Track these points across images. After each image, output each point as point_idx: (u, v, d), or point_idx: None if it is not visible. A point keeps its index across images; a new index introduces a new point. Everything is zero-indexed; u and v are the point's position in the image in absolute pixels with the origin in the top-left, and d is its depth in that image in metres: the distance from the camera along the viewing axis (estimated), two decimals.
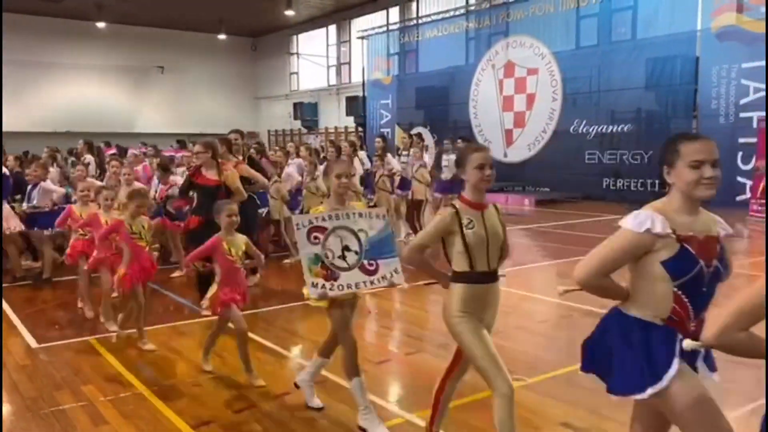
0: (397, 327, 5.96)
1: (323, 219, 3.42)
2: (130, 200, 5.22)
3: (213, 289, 4.29)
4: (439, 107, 20.34)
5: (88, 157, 10.99)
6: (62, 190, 8.21)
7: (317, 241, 3.36)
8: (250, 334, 5.36)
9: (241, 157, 7.36)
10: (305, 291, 3.46)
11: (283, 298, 6.85)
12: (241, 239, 4.42)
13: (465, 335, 2.92)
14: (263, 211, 8.53)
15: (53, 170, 9.73)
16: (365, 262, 3.44)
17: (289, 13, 23.07)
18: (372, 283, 3.47)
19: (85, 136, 13.67)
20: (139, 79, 27.27)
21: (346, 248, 3.41)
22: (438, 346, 5.06)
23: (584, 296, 2.67)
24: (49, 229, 7.56)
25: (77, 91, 25.32)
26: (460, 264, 2.94)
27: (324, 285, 3.33)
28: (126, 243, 5.08)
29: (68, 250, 6.15)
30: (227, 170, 6.23)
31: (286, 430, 3.62)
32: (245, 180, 6.61)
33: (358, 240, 3.46)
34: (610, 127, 15.87)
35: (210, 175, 6.09)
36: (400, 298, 6.72)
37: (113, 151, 11.94)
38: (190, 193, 6.46)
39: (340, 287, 3.36)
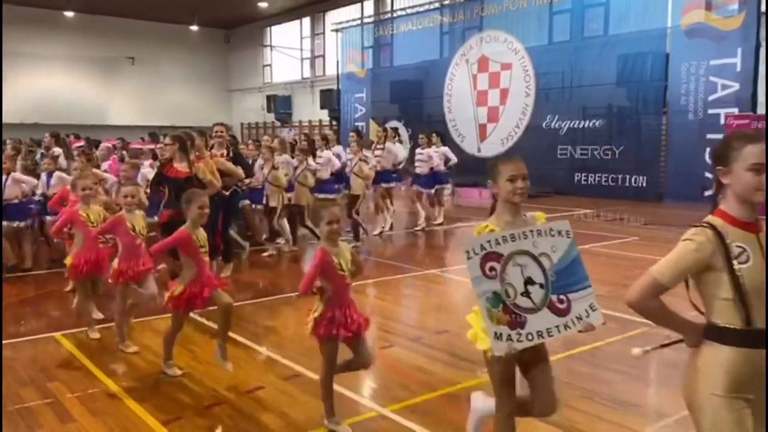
0: (371, 321, 5.92)
1: (497, 242, 2.50)
2: (189, 203, 4.26)
3: (318, 309, 3.43)
4: (413, 101, 20.34)
5: (57, 150, 10.76)
6: (34, 181, 7.93)
7: (494, 273, 2.45)
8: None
9: (225, 150, 7.35)
10: (480, 343, 2.64)
11: (257, 292, 6.81)
12: (346, 248, 3.54)
13: (725, 428, 1.98)
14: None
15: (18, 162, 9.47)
16: (554, 298, 2.54)
17: (263, 4, 22.87)
18: (566, 327, 2.54)
19: (54, 128, 13.37)
20: (109, 70, 26.76)
21: (529, 281, 2.51)
22: (411, 340, 5.07)
23: None
24: (17, 223, 7.39)
25: (45, 82, 24.78)
26: (725, 315, 1.99)
27: (509, 335, 2.42)
28: (192, 258, 4.19)
29: (72, 261, 5.02)
30: (199, 162, 6.16)
31: (257, 425, 3.58)
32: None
33: (542, 268, 2.55)
34: (582, 123, 16.04)
35: (181, 167, 6.02)
36: (373, 292, 6.70)
37: (80, 143, 11.66)
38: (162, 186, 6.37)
39: (529, 337, 2.46)
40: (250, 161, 9.01)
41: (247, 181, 8.11)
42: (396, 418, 3.60)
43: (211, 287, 4.17)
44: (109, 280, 4.89)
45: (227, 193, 7.12)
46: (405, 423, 3.56)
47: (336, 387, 4.04)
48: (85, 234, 5.07)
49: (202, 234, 4.26)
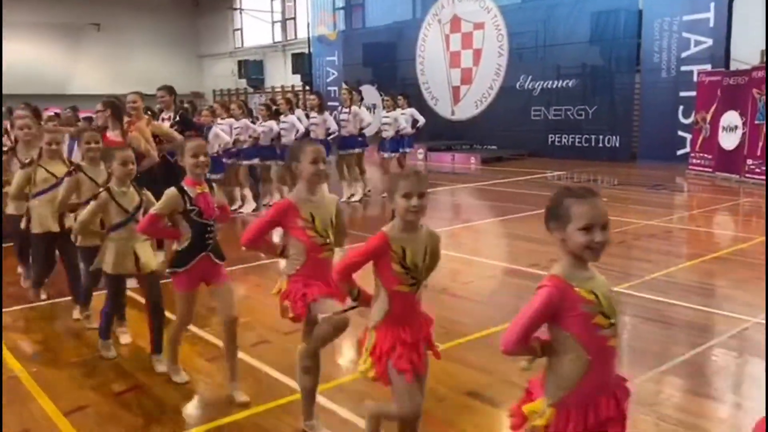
0: None
1: None
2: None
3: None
4: (386, 64, 19.81)
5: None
6: None
7: None
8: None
9: (172, 114, 7.08)
10: None
11: None
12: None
13: None
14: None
15: None
16: None
17: None
18: None
19: (12, 99, 12.83)
20: (73, 37, 25.87)
21: None
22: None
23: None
24: None
25: (5, 50, 23.86)
26: None
27: None
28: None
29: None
30: (132, 131, 5.79)
31: (172, 411, 3.31)
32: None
33: None
34: (556, 83, 15.69)
35: (114, 136, 5.64)
36: None
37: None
38: None
39: None
40: (204, 129, 8.69)
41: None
42: (321, 400, 3.35)
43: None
44: None
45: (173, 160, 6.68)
46: (329, 405, 3.32)
47: (264, 368, 3.79)
48: None
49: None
